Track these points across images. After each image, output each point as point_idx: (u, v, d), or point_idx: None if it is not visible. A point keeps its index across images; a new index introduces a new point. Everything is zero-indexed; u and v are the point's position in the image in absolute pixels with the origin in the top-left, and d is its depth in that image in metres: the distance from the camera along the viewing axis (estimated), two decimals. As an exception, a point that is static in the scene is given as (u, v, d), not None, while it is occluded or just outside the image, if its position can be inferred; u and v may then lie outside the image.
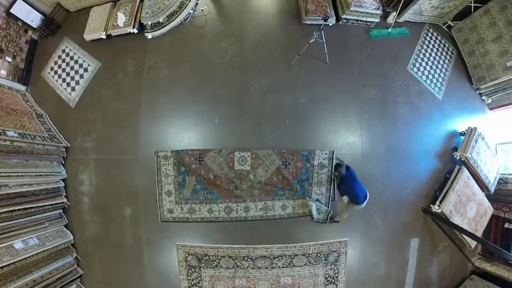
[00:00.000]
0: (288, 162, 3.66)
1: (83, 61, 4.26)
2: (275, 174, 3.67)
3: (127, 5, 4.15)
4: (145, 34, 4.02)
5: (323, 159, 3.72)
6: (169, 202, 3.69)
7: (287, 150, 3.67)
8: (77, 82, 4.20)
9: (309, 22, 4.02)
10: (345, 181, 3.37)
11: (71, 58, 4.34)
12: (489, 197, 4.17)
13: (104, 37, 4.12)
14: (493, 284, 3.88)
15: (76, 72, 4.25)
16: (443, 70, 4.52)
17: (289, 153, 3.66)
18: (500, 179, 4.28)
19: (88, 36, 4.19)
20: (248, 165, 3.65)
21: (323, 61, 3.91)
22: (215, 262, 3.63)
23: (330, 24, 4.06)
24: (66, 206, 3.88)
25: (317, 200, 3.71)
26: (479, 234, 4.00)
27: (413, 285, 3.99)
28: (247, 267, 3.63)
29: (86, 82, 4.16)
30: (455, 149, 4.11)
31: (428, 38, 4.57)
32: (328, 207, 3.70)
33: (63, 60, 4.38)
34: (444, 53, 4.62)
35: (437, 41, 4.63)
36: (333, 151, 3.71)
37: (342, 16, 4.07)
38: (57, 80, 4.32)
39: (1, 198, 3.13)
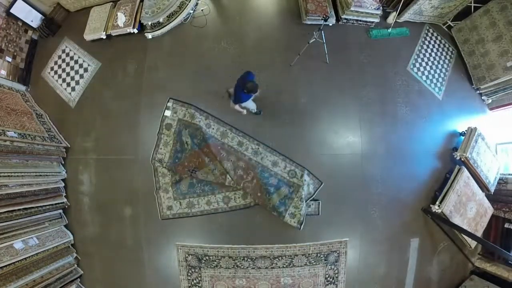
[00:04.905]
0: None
1: (83, 61, 4.26)
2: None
3: (127, 5, 4.16)
4: (145, 34, 4.03)
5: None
6: (167, 199, 3.69)
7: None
8: (77, 82, 4.20)
9: (309, 22, 4.02)
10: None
11: (71, 58, 4.34)
12: (489, 197, 4.17)
13: (104, 37, 4.13)
14: (493, 284, 3.87)
15: (76, 72, 4.25)
16: (443, 70, 4.52)
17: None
18: (500, 179, 4.28)
19: (88, 36, 4.19)
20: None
21: (323, 61, 3.91)
22: (215, 262, 3.63)
23: (330, 24, 4.06)
24: (66, 206, 3.88)
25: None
26: (479, 234, 4.00)
27: (413, 285, 3.98)
28: (247, 267, 3.63)
29: (86, 82, 4.17)
30: (455, 149, 4.10)
31: (428, 38, 4.57)
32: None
33: (63, 60, 4.38)
34: (444, 53, 4.61)
35: (437, 41, 4.63)
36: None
37: (342, 16, 4.06)
38: (57, 80, 4.32)
39: (1, 198, 3.13)
